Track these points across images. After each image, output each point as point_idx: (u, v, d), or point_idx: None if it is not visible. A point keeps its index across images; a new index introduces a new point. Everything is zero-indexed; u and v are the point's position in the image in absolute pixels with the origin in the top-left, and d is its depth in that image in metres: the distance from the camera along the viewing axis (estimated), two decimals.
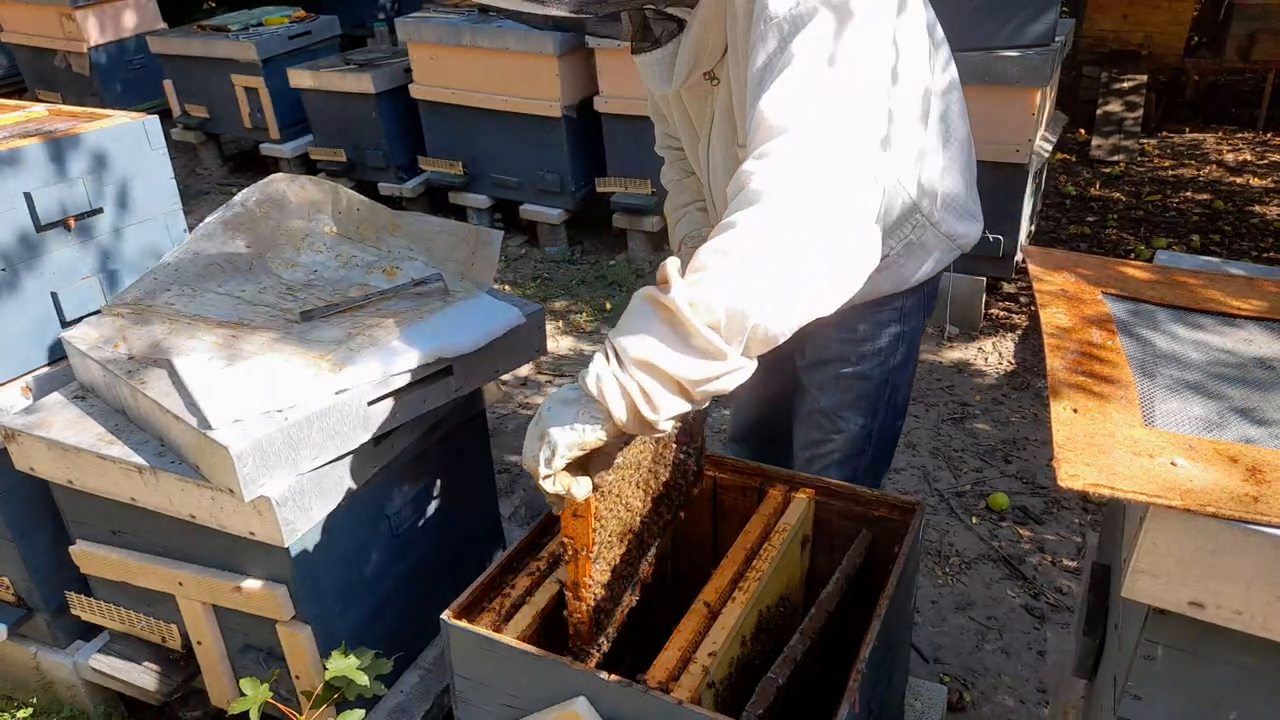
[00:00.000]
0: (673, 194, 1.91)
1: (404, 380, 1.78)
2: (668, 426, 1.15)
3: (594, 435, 1.13)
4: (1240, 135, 6.18)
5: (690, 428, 1.52)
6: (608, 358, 1.13)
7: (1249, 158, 5.80)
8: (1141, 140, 5.97)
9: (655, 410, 1.11)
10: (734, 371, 1.13)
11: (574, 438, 1.13)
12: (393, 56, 5.22)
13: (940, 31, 1.53)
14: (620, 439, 1.19)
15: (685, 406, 1.14)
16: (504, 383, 3.70)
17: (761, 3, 1.26)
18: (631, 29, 1.42)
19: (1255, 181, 5.42)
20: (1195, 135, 6.22)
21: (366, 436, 1.76)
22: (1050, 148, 3.94)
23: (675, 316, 1.09)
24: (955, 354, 3.83)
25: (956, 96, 1.59)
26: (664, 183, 1.93)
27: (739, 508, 1.76)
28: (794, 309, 1.13)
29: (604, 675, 1.29)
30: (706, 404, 1.20)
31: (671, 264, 1.13)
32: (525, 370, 3.82)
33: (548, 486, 1.17)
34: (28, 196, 1.91)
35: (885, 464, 1.95)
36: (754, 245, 1.10)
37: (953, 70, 1.58)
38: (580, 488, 1.19)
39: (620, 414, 1.12)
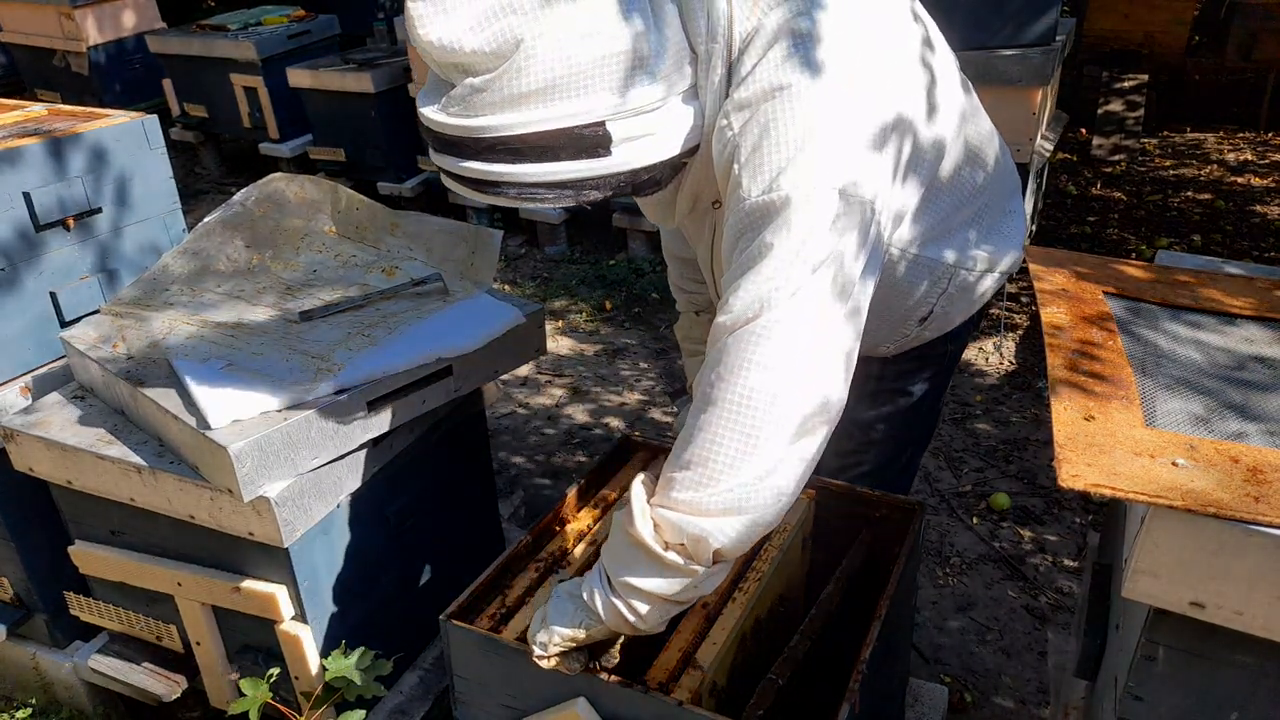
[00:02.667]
0: (685, 325, 1.90)
1: (403, 380, 1.78)
2: (661, 628, 1.28)
3: (585, 633, 1.28)
4: (1241, 135, 6.18)
5: None
6: (600, 576, 1.27)
7: (1250, 157, 5.80)
8: (1142, 140, 5.96)
9: (644, 622, 1.25)
10: (710, 578, 1.24)
11: (569, 632, 1.28)
12: (392, 56, 5.22)
13: (952, 73, 1.42)
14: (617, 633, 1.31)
15: (673, 611, 1.27)
16: (504, 383, 3.70)
17: (735, 178, 1.20)
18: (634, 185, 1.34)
19: (1256, 181, 5.41)
20: (1196, 135, 6.22)
21: (366, 436, 1.75)
22: (1051, 147, 3.94)
23: (644, 546, 1.20)
24: None
25: (977, 129, 1.49)
26: (678, 309, 1.92)
27: None
28: (748, 532, 1.20)
29: (604, 675, 1.29)
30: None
31: (636, 491, 1.23)
32: (525, 370, 3.82)
33: (540, 664, 1.30)
34: (26, 196, 1.91)
35: (914, 471, 1.92)
36: (711, 464, 1.17)
37: (972, 101, 1.49)
38: (571, 664, 1.31)
39: (613, 625, 1.26)
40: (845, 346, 1.21)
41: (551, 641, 1.28)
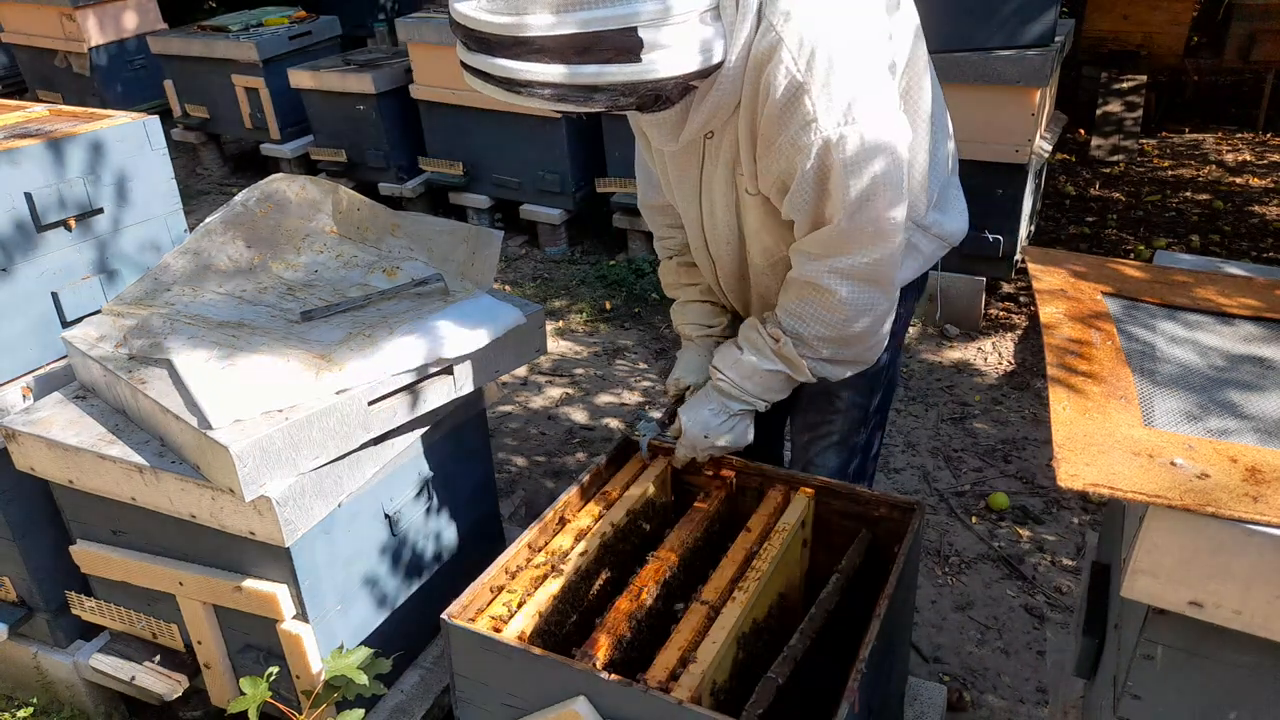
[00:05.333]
0: (668, 272, 1.92)
1: (404, 380, 1.78)
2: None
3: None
4: (1240, 135, 6.18)
5: None
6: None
7: (1248, 158, 5.80)
8: (1141, 140, 5.96)
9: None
10: None
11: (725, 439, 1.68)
12: (393, 57, 5.22)
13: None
14: None
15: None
16: (504, 383, 3.70)
17: (804, 110, 1.33)
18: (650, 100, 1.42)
19: (1255, 181, 5.42)
20: (1195, 135, 6.22)
21: (367, 436, 1.76)
22: (1050, 148, 3.94)
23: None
24: (955, 354, 3.83)
25: (931, 94, 1.60)
26: (663, 273, 1.95)
27: (739, 507, 1.76)
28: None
29: (604, 675, 1.30)
30: None
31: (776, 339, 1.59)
32: (525, 370, 3.83)
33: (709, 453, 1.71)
34: (28, 196, 1.91)
35: (879, 439, 1.97)
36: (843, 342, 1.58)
37: (921, 64, 1.59)
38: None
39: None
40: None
41: (715, 444, 1.67)
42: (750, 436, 1.70)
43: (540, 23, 1.21)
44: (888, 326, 1.59)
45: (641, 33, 1.24)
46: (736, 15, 1.32)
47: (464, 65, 1.32)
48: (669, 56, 1.27)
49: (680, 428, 1.71)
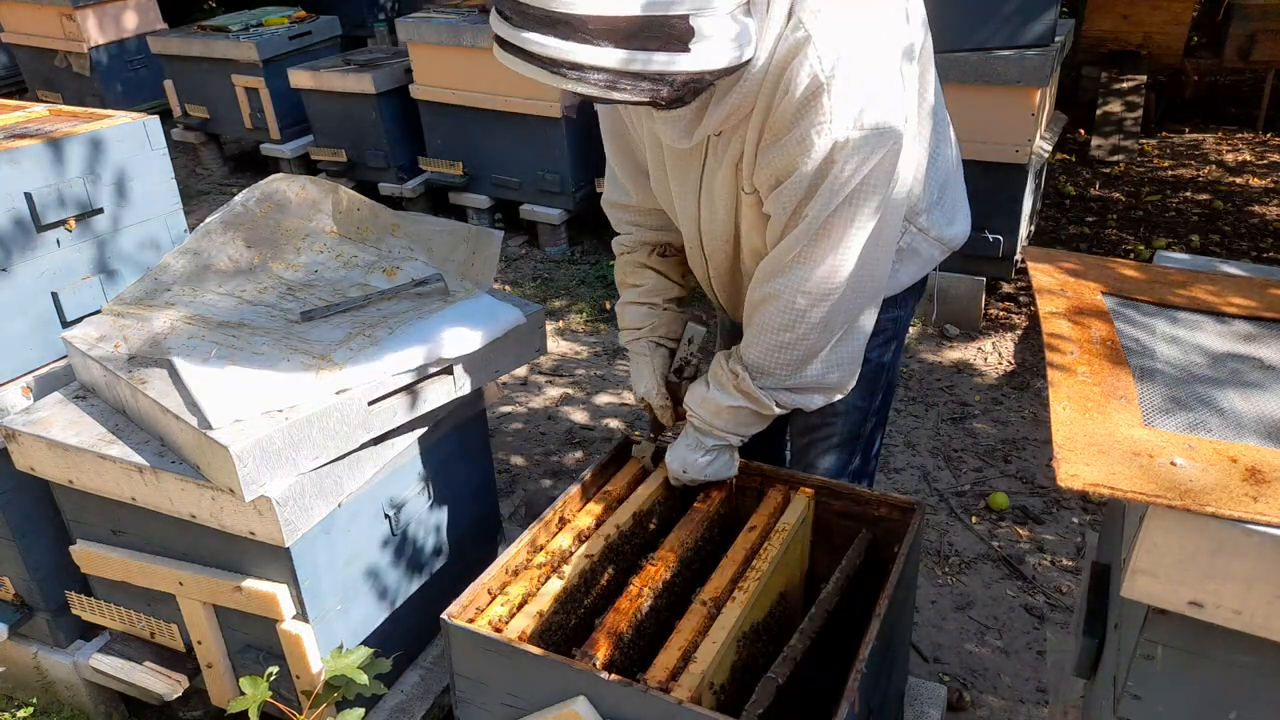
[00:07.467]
0: (621, 269, 1.89)
1: (404, 380, 1.78)
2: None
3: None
4: (1240, 135, 6.18)
5: None
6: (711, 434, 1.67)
7: (1248, 158, 5.80)
8: (1141, 140, 5.97)
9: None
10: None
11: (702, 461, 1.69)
12: (393, 57, 5.22)
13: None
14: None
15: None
16: (504, 383, 3.70)
17: (821, 110, 1.31)
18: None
19: (1255, 182, 5.42)
20: (1195, 135, 6.22)
21: (367, 436, 1.76)
22: (1050, 148, 3.94)
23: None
24: (955, 354, 3.83)
25: (936, 97, 1.60)
26: (620, 266, 1.91)
27: (739, 507, 1.76)
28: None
29: (604, 675, 1.30)
30: None
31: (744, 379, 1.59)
32: (525, 370, 3.83)
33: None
34: (28, 196, 1.91)
35: (880, 439, 1.96)
36: (814, 378, 1.59)
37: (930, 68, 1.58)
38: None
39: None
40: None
41: (693, 468, 1.67)
42: (734, 469, 1.71)
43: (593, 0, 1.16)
44: (850, 348, 1.57)
45: (693, 20, 1.20)
46: (768, 13, 1.29)
47: (498, 40, 1.25)
48: (714, 48, 1.24)
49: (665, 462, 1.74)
